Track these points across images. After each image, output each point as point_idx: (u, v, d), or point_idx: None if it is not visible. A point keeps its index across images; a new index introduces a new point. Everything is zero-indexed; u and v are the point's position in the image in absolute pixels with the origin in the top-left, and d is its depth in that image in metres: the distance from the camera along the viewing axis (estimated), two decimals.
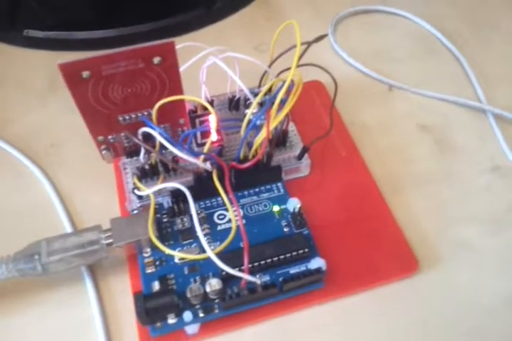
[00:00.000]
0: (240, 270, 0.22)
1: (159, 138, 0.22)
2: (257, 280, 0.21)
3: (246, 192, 0.27)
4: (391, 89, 0.35)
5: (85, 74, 0.22)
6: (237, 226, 0.22)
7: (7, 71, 0.36)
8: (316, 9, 0.41)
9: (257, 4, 0.42)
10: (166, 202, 0.26)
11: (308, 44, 0.25)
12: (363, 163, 0.29)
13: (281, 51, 0.28)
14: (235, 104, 0.30)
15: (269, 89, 0.28)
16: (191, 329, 0.22)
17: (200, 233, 0.21)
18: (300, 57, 0.24)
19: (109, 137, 0.26)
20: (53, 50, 0.38)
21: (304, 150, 0.28)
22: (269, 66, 0.28)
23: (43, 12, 0.38)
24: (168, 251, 0.22)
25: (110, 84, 0.23)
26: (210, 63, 0.27)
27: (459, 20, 0.40)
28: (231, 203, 0.23)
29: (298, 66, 0.24)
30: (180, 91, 0.25)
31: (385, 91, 0.35)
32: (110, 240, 0.23)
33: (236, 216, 0.23)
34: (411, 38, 0.39)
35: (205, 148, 0.24)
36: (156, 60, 0.23)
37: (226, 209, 0.26)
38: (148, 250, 0.24)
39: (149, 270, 0.24)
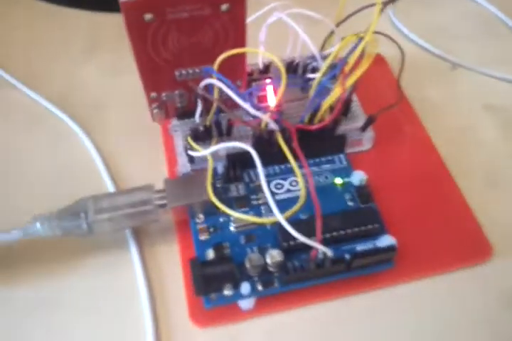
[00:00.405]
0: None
1: (225, 89, 0.20)
2: (329, 251, 0.19)
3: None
4: (455, 68, 0.32)
5: (148, 16, 0.20)
6: (307, 192, 0.20)
7: (48, 30, 0.34)
8: None
9: None
10: (220, 166, 0.24)
11: (385, 4, 0.22)
12: (430, 141, 0.27)
13: (341, 14, 0.26)
14: (294, 70, 0.28)
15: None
16: (246, 303, 0.20)
17: (268, 194, 0.19)
18: (380, 13, 0.22)
19: (163, 94, 0.24)
20: (95, 10, 0.36)
21: (370, 120, 0.25)
22: (337, 26, 0.26)
23: None
24: (232, 212, 0.19)
25: (172, 31, 0.21)
26: (274, 19, 0.25)
27: None
28: (300, 167, 0.20)
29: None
30: (243, 45, 0.23)
31: (448, 70, 0.32)
32: (164, 201, 0.21)
33: (307, 181, 0.21)
34: (473, 18, 0.36)
35: (272, 105, 0.22)
36: (225, 6, 0.21)
37: (284, 179, 0.24)
38: (202, 216, 0.22)
39: (203, 237, 0.21)
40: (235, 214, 0.19)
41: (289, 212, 0.19)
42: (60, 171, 0.26)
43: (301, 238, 0.18)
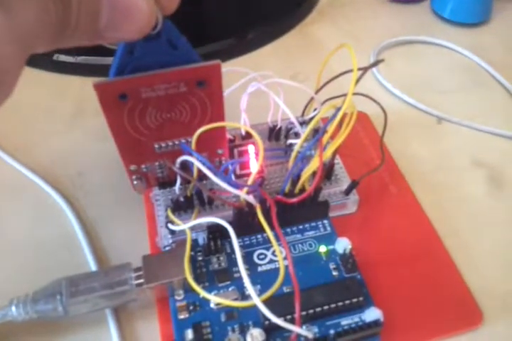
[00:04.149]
0: (287, 320, 0.19)
1: (201, 168, 0.20)
2: (310, 334, 0.18)
3: (288, 230, 0.25)
4: (440, 122, 0.33)
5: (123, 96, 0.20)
6: (286, 268, 0.20)
7: (33, 95, 0.34)
8: (356, 40, 0.39)
9: (292, 35, 0.40)
10: (202, 238, 0.23)
11: (365, 69, 0.22)
12: (416, 201, 0.27)
13: (320, 80, 0.26)
14: (276, 134, 0.28)
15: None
16: None
17: (245, 277, 0.18)
18: (357, 82, 0.22)
19: (143, 166, 0.24)
20: (82, 75, 0.36)
21: (353, 184, 0.25)
22: (316, 93, 0.26)
23: None
24: (206, 295, 0.19)
25: (148, 108, 0.21)
26: (253, 89, 0.25)
27: (506, 51, 0.38)
28: (278, 241, 0.20)
29: (344, 95, 0.22)
30: (222, 118, 0.23)
31: (434, 124, 0.33)
32: (141, 280, 0.20)
33: (284, 257, 0.20)
34: (456, 70, 0.37)
35: (250, 180, 0.21)
36: (200, 83, 0.21)
37: (267, 248, 0.24)
38: (181, 292, 0.21)
39: (182, 316, 0.21)
40: (209, 296, 0.19)
41: (267, 294, 0.19)
42: (40, 244, 0.25)
43: (280, 322, 0.18)
